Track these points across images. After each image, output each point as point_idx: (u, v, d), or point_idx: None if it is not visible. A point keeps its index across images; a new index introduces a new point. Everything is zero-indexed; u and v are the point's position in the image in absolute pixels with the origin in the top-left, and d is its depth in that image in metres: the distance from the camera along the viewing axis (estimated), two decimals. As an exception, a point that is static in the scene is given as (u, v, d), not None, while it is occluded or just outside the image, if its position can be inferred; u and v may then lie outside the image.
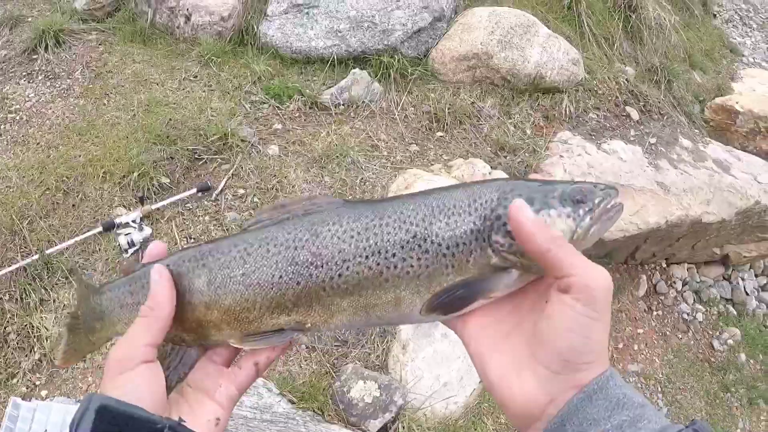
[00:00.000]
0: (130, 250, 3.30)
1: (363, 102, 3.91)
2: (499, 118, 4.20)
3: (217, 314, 0.78)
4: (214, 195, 3.46)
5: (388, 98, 3.98)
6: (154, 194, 3.50)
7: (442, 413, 3.25)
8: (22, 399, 3.04)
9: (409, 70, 4.10)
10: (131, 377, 0.71)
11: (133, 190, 3.56)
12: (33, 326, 3.12)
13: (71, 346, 0.87)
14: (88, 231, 3.36)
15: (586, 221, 0.76)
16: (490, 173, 3.83)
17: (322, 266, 0.76)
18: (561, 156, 4.34)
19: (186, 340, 0.80)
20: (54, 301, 3.20)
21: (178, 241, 3.31)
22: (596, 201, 0.77)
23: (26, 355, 3.11)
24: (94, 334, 0.86)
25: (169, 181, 3.53)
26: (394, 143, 3.81)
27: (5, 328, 3.15)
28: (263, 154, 3.60)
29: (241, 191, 3.48)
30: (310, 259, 0.76)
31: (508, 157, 4.07)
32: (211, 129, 3.65)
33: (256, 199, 3.45)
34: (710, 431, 0.63)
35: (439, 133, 3.97)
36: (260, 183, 3.50)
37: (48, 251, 3.27)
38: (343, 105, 3.90)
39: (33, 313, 3.15)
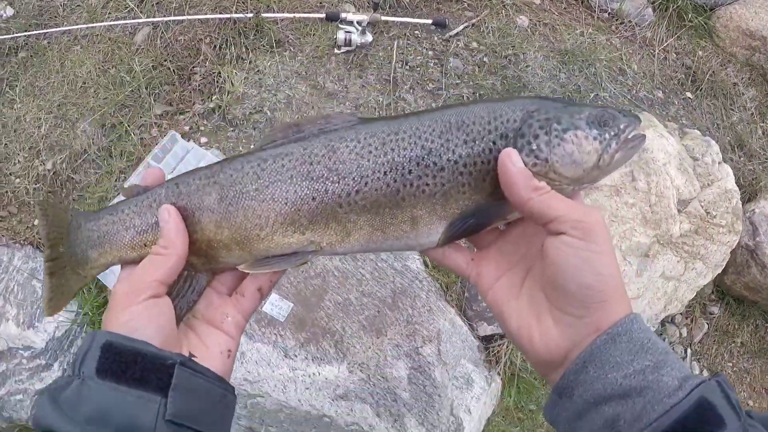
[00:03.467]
0: (342, 49, 3.06)
1: (629, 21, 3.43)
2: (753, 114, 3.63)
3: (227, 233, 0.75)
4: (447, 35, 3.13)
5: (655, 31, 3.48)
6: (389, 7, 3.21)
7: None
8: (182, 137, 2.94)
9: (689, 15, 3.56)
10: (138, 311, 0.68)
11: (368, -7, 3.29)
12: (220, 76, 2.96)
13: (57, 290, 0.81)
14: (312, 13, 3.14)
15: (612, 146, 0.73)
16: (719, 163, 3.33)
17: (338, 182, 0.74)
18: (790, 185, 3.77)
19: (195, 265, 0.77)
20: (250, 62, 3.02)
21: (393, 60, 3.02)
22: (621, 126, 0.74)
23: (202, 100, 2.97)
24: (86, 265, 0.80)
25: (409, 1, 3.22)
26: (641, 79, 3.34)
27: (194, 67, 3.01)
28: (511, 21, 3.22)
29: (474, 45, 3.14)
30: (326, 174, 0.74)
31: (742, 159, 3.54)
32: (469, -29, 3.28)
33: (485, 59, 3.10)
34: (731, 387, 0.60)
35: (689, 94, 3.46)
36: (496, 47, 3.14)
37: (264, 15, 3.08)
38: (608, 13, 3.43)
39: (225, 64, 2.98)
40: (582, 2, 3.43)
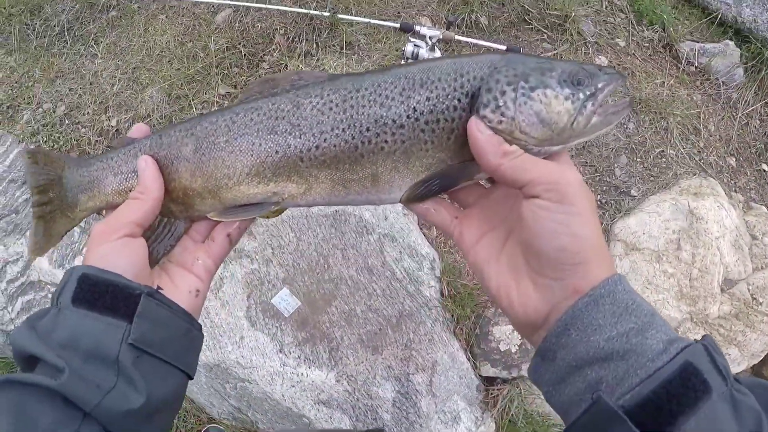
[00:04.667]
0: (409, 62, 3.07)
1: (716, 78, 3.24)
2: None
3: (200, 181, 0.80)
4: (517, 63, 3.08)
5: (743, 93, 3.26)
6: (465, 27, 3.18)
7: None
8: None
9: (784, 83, 3.32)
10: (113, 247, 0.72)
11: (448, 10, 3.27)
12: (287, 68, 3.04)
13: (46, 233, 0.86)
14: (386, 21, 3.16)
15: (588, 108, 0.68)
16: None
17: (300, 136, 0.76)
18: None
19: (173, 212, 0.82)
20: (317, 60, 3.09)
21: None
22: (599, 86, 0.69)
23: (267, 86, 3.06)
24: (75, 208, 0.85)
25: (487, 24, 3.18)
26: (715, 142, 3.16)
27: (265, 55, 3.11)
28: (588, 59, 3.12)
29: (544, 78, 3.07)
30: (288, 129, 0.77)
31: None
32: (555, 1, 3.20)
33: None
34: (719, 351, 0.57)
35: (765, 166, 3.24)
36: (565, 83, 3.05)
37: (340, 15, 3.13)
38: (695, 67, 3.25)
39: (294, 58, 3.06)
40: (669, 52, 3.27)
